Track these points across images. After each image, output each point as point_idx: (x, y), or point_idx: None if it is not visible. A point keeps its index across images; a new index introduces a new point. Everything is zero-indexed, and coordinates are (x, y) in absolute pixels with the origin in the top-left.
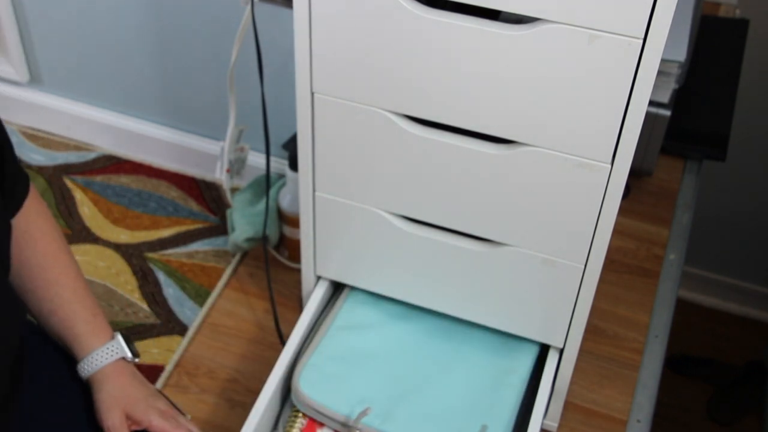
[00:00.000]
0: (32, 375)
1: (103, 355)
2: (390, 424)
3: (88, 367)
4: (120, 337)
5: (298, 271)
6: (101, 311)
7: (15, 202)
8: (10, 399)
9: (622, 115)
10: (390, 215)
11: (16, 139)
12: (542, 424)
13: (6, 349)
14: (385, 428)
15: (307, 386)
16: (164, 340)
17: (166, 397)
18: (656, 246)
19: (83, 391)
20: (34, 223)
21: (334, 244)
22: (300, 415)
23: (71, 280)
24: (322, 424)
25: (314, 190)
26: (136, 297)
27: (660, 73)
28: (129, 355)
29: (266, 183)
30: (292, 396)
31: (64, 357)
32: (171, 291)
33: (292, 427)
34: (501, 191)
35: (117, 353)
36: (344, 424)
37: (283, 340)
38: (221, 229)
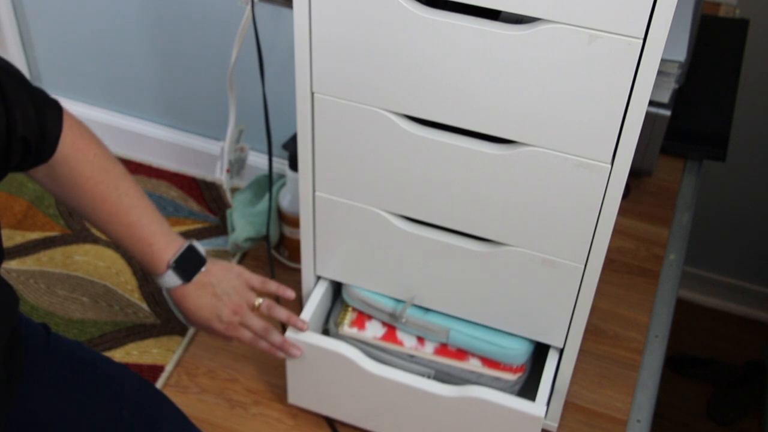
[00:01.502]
0: (30, 366)
1: (164, 284)
2: (432, 315)
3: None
4: (170, 271)
5: (298, 271)
6: (159, 234)
7: (48, 145)
8: (6, 388)
9: (622, 115)
10: (390, 215)
11: None
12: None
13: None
14: (429, 318)
15: None
16: (164, 340)
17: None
18: (656, 246)
19: (83, 385)
20: (75, 168)
21: (334, 244)
22: (350, 309)
23: (123, 217)
24: (370, 317)
25: (314, 190)
26: (136, 297)
27: (660, 73)
28: (181, 282)
29: (269, 183)
30: (344, 292)
31: (64, 349)
32: None
33: (343, 319)
34: (501, 191)
35: (173, 283)
36: (392, 315)
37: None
38: (221, 229)
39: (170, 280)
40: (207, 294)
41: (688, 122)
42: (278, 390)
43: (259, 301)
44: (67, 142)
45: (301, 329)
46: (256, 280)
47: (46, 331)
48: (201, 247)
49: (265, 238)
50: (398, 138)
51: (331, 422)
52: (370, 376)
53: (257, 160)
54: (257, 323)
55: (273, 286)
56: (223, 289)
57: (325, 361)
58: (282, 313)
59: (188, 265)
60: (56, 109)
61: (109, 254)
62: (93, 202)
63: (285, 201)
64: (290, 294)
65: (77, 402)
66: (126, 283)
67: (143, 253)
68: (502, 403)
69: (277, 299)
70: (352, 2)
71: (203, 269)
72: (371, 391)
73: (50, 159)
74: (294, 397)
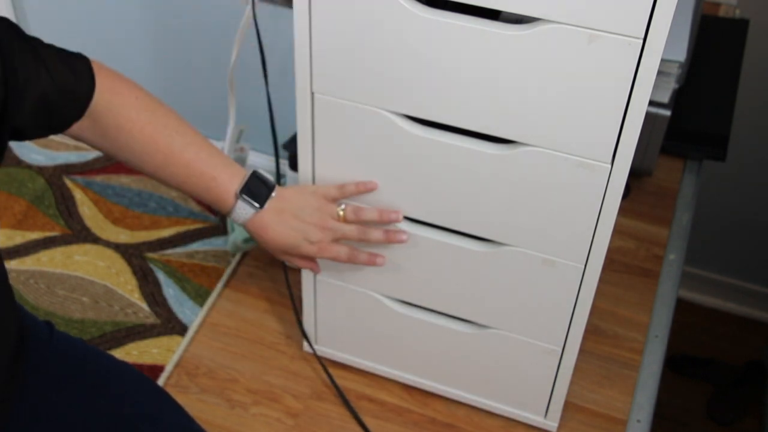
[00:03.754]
0: (34, 368)
1: (237, 218)
2: None
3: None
4: (240, 201)
5: (299, 271)
6: (221, 166)
7: (79, 101)
8: (9, 384)
9: (622, 115)
10: None
11: None
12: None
13: (5, 336)
14: None
15: None
16: (164, 340)
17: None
18: (656, 246)
19: (85, 381)
20: (120, 114)
21: None
22: None
23: (179, 156)
24: None
25: None
26: (136, 297)
27: (660, 73)
28: (254, 210)
29: (277, 181)
30: None
31: (66, 350)
32: (171, 291)
33: None
34: (501, 191)
35: (246, 213)
36: None
37: (306, 336)
38: (221, 229)
39: (243, 211)
40: (287, 219)
41: (688, 122)
42: (278, 390)
43: (341, 209)
44: (105, 90)
45: (397, 221)
46: (332, 189)
47: (50, 329)
48: (266, 173)
49: None
50: (398, 138)
51: (356, 414)
52: (397, 315)
53: (257, 160)
54: (350, 229)
55: (351, 187)
56: (303, 209)
57: (354, 302)
58: (371, 212)
59: (257, 190)
60: (83, 61)
61: (109, 254)
62: (145, 147)
63: None
64: (372, 185)
65: (79, 398)
66: (126, 283)
67: (209, 189)
68: (523, 338)
69: None
70: (352, 2)
71: (274, 194)
72: (399, 330)
73: (86, 113)
74: (321, 342)
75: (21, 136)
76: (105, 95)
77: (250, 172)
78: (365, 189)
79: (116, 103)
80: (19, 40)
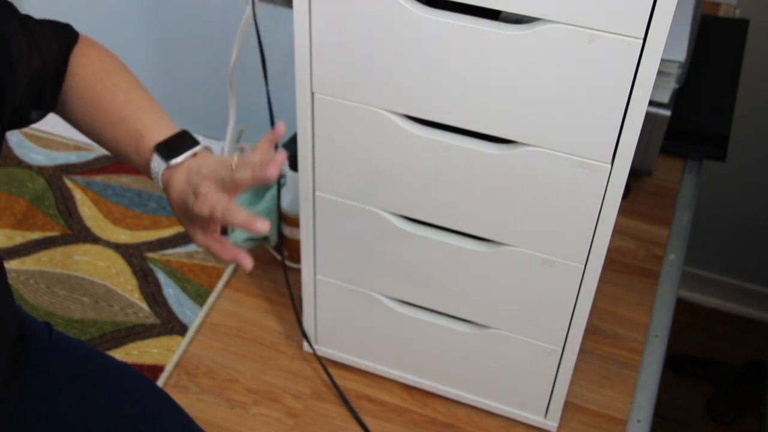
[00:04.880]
0: (34, 369)
1: (153, 174)
2: None
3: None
4: (155, 155)
5: (298, 271)
6: (153, 125)
7: (61, 76)
8: (10, 389)
9: (622, 115)
10: (390, 215)
11: (15, 139)
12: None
13: (4, 337)
14: None
15: None
16: (164, 340)
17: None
18: (656, 246)
19: (84, 381)
20: (78, 74)
21: (334, 244)
22: None
23: (117, 113)
24: None
25: (314, 190)
26: (136, 297)
27: (660, 73)
28: (166, 163)
29: (278, 184)
30: None
31: (68, 353)
32: (171, 291)
33: None
34: (501, 191)
35: (158, 168)
36: None
37: (306, 336)
38: (221, 229)
39: (156, 165)
40: (191, 175)
41: (688, 122)
42: (278, 390)
43: (234, 158)
44: (77, 52)
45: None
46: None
47: (49, 329)
48: (201, 138)
49: (266, 238)
50: (398, 138)
51: (356, 414)
52: (397, 315)
53: None
54: (226, 172)
55: (263, 143)
56: (209, 165)
57: (354, 302)
58: (257, 153)
59: (176, 146)
60: (69, 33)
61: (109, 254)
62: (93, 107)
63: (285, 201)
64: (279, 129)
65: (79, 398)
66: (126, 283)
67: (137, 149)
68: (523, 338)
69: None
70: (352, 2)
71: (196, 151)
72: (399, 330)
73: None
74: (321, 342)
75: (18, 121)
76: (74, 57)
77: (179, 129)
78: (275, 136)
79: (79, 63)
80: (13, 18)
